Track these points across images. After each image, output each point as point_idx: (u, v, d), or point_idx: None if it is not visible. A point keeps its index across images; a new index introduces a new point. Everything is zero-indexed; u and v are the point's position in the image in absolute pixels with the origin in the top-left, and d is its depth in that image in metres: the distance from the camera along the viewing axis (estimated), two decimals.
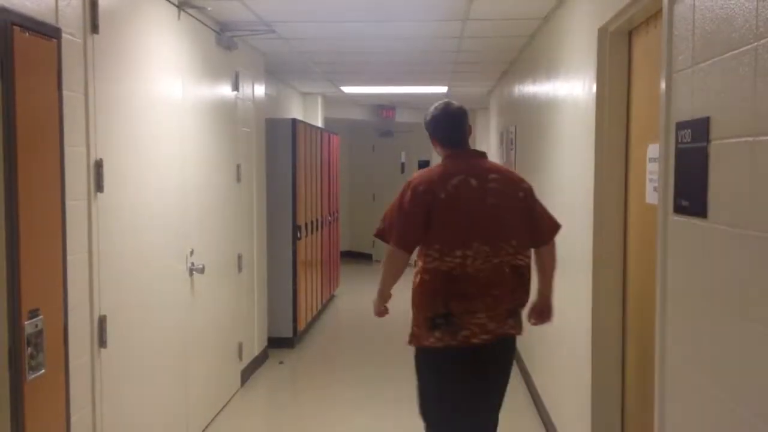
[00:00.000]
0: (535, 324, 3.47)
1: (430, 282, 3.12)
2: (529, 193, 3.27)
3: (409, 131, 12.63)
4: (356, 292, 9.76)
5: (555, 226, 3.35)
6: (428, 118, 3.36)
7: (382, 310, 3.39)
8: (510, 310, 3.17)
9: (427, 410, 3.27)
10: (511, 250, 3.14)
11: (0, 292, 2.32)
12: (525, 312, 3.34)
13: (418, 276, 3.17)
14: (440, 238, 3.10)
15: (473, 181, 3.16)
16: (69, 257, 2.77)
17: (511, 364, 3.35)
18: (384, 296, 3.35)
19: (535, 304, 3.42)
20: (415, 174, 3.31)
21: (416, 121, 12.33)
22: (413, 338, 3.22)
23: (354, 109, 11.49)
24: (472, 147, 3.41)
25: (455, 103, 3.38)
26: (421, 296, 3.15)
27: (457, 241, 3.09)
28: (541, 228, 3.27)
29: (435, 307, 3.11)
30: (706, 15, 2.01)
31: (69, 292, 2.76)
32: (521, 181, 3.32)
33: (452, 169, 3.20)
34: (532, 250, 3.27)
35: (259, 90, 6.20)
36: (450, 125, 3.32)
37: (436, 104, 3.37)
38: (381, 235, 3.29)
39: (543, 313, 3.45)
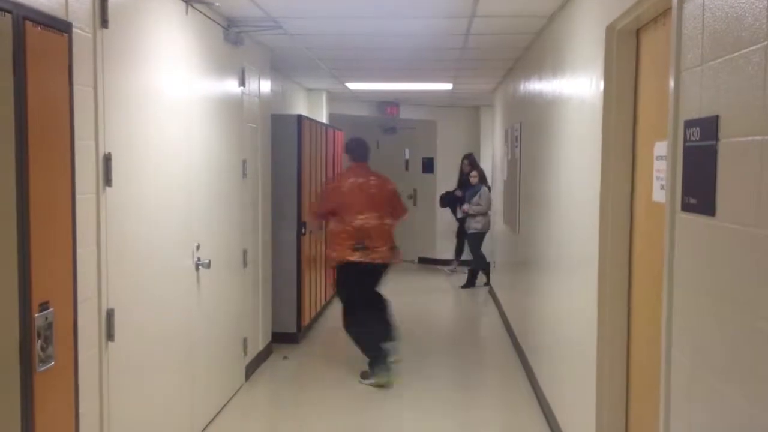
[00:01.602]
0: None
1: (346, 233, 5.84)
2: (392, 190, 6.13)
3: (413, 128, 12.63)
4: None
5: (403, 211, 6.21)
6: (347, 142, 6.30)
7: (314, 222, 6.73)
8: (390, 248, 5.94)
9: (343, 295, 6.06)
10: (385, 216, 5.93)
11: (11, 285, 2.34)
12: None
13: (333, 231, 6.10)
14: (341, 212, 5.88)
15: (360, 180, 5.96)
16: (78, 251, 2.79)
17: (385, 273, 6.05)
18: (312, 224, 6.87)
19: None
20: (334, 176, 6.77)
21: (421, 119, 12.34)
22: (337, 260, 5.93)
23: (358, 105, 11.50)
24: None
25: (361, 138, 6.27)
26: (341, 239, 5.88)
27: (353, 212, 5.82)
28: (396, 211, 6.09)
29: (353, 242, 5.79)
30: (715, 13, 2.02)
31: (78, 285, 2.78)
32: (389, 183, 6.13)
33: (351, 174, 6.06)
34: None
35: (265, 86, 6.21)
36: (357, 150, 6.15)
37: (352, 137, 6.36)
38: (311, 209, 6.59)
39: (397, 255, 6.17)
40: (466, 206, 9.91)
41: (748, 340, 1.78)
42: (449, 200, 10.90)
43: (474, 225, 9.91)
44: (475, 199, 9.81)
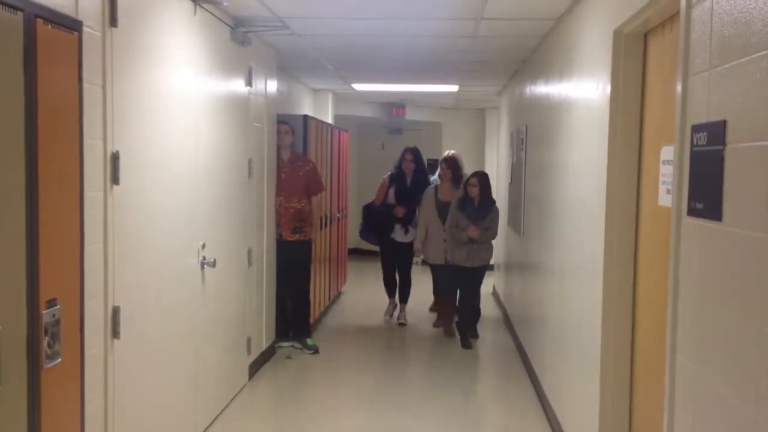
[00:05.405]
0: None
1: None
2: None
3: (419, 129, 12.62)
4: (363, 290, 9.77)
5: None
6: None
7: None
8: (294, 227, 6.47)
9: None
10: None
11: (19, 282, 2.35)
12: None
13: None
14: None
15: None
16: (86, 248, 2.80)
17: (303, 253, 6.60)
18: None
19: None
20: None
21: (426, 120, 12.34)
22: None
23: (364, 106, 11.51)
24: None
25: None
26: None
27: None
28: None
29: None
30: (724, 18, 2.03)
31: (86, 282, 2.80)
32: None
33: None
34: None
35: (272, 85, 6.22)
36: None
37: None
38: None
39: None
40: (473, 230, 6.75)
41: (754, 345, 1.78)
42: (382, 219, 7.81)
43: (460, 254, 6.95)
44: (487, 221, 6.90)
